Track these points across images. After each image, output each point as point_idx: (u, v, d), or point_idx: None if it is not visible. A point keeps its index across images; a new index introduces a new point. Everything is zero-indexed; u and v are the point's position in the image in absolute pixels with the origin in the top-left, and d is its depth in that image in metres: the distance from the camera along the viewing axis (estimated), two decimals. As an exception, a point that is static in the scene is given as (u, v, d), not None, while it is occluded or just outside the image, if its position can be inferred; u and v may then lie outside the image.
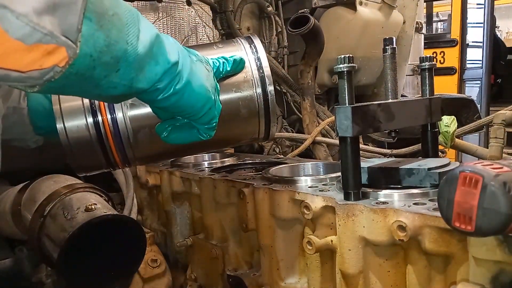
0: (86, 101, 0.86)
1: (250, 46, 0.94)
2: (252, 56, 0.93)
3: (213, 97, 0.84)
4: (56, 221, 1.16)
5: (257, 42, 0.95)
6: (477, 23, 6.34)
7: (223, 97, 0.89)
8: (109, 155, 0.88)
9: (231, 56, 0.91)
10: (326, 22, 2.42)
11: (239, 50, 0.94)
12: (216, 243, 1.51)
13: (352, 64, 1.02)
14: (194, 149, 1.08)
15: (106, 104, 0.87)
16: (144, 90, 0.73)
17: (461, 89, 6.22)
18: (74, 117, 0.85)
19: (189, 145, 0.88)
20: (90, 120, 0.85)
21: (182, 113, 0.81)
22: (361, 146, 1.91)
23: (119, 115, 0.86)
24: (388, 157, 1.90)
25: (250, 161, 1.77)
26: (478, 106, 3.78)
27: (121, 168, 0.98)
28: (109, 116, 0.86)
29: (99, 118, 0.85)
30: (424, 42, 3.82)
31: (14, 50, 0.53)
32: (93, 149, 0.86)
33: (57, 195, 1.22)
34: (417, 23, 3.06)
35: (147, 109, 0.85)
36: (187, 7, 2.30)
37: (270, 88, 0.91)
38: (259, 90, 0.90)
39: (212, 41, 2.39)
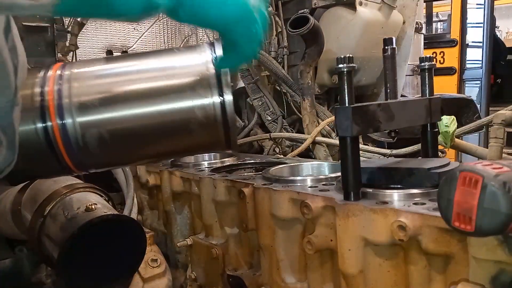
0: (37, 103, 0.84)
1: (211, 52, 0.93)
2: (211, 61, 0.92)
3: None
4: (56, 221, 1.16)
5: (218, 47, 0.94)
6: (477, 23, 6.33)
7: (177, 105, 0.88)
8: (61, 161, 0.87)
9: None
10: (326, 22, 2.42)
11: (201, 53, 0.93)
12: (216, 243, 1.51)
13: (352, 64, 1.02)
14: (148, 158, 1.06)
15: (55, 107, 0.85)
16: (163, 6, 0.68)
17: (461, 89, 6.22)
18: (24, 120, 0.82)
19: (142, 153, 0.90)
20: (39, 124, 0.83)
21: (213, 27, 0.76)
22: (361, 146, 1.91)
23: (68, 120, 0.84)
24: (388, 157, 1.90)
25: (250, 161, 1.77)
26: (478, 106, 3.78)
27: (77, 173, 0.96)
28: (59, 122, 0.84)
29: (48, 123, 0.83)
30: (424, 42, 3.82)
31: None
32: (44, 154, 0.85)
33: (57, 195, 1.22)
34: (417, 23, 3.06)
35: (97, 115, 0.84)
36: (187, 7, 2.29)
37: (228, 96, 0.89)
38: (216, 96, 0.89)
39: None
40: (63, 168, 0.88)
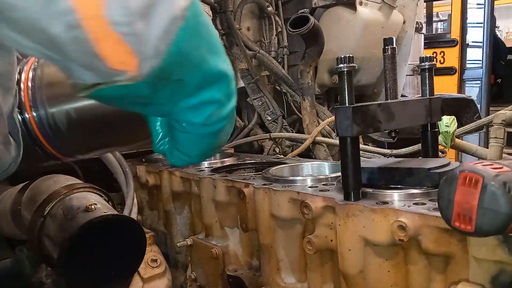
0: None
1: None
2: None
3: None
4: (56, 221, 1.16)
5: None
6: (477, 23, 6.34)
7: None
8: (43, 148, 0.93)
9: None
10: (326, 22, 2.43)
11: None
12: (216, 243, 1.51)
13: (352, 64, 1.02)
14: (122, 143, 1.12)
15: (30, 99, 0.89)
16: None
17: (461, 89, 6.22)
18: None
19: (115, 136, 0.97)
20: (19, 116, 0.88)
21: None
22: (361, 146, 1.91)
23: (41, 112, 0.89)
24: (388, 157, 1.90)
25: (250, 161, 1.77)
26: (478, 106, 3.78)
27: (65, 160, 1.01)
28: (34, 114, 0.89)
29: (26, 115, 0.89)
30: (424, 42, 3.83)
31: None
32: (27, 143, 0.90)
33: (57, 195, 1.22)
34: (417, 23, 3.06)
35: (67, 103, 0.89)
36: (187, 7, 2.29)
37: None
38: None
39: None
40: (48, 155, 0.93)
